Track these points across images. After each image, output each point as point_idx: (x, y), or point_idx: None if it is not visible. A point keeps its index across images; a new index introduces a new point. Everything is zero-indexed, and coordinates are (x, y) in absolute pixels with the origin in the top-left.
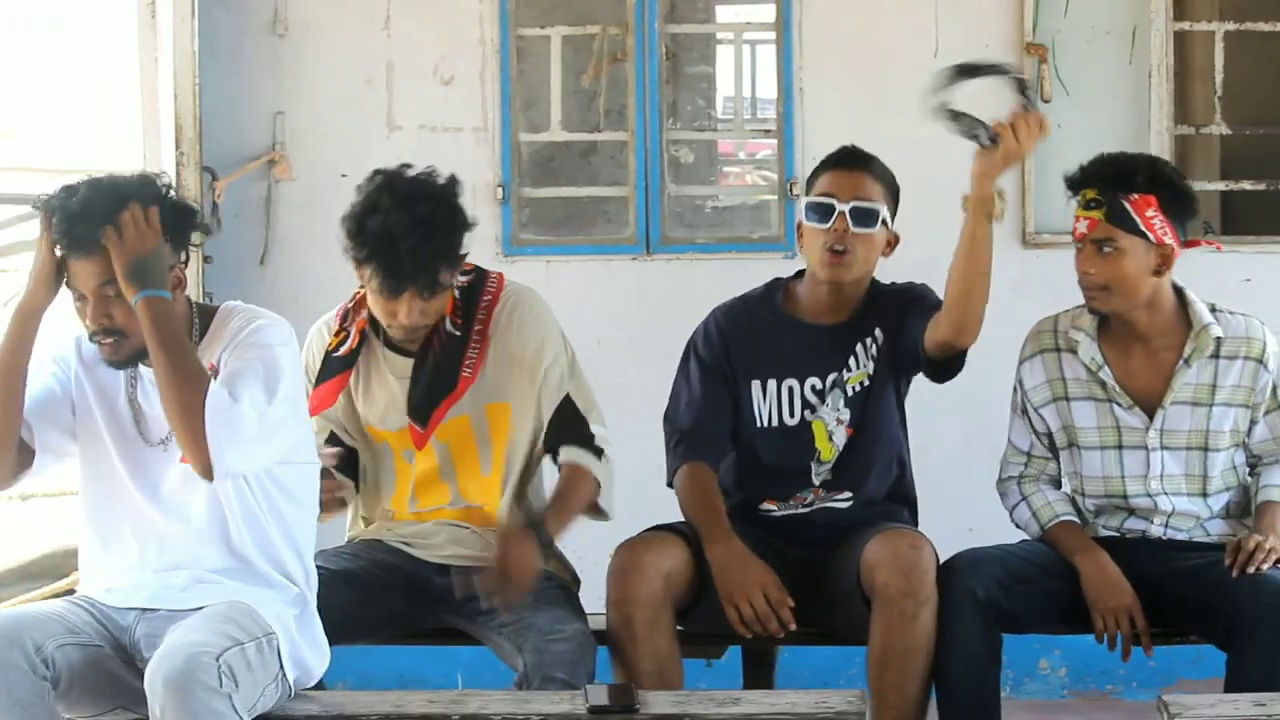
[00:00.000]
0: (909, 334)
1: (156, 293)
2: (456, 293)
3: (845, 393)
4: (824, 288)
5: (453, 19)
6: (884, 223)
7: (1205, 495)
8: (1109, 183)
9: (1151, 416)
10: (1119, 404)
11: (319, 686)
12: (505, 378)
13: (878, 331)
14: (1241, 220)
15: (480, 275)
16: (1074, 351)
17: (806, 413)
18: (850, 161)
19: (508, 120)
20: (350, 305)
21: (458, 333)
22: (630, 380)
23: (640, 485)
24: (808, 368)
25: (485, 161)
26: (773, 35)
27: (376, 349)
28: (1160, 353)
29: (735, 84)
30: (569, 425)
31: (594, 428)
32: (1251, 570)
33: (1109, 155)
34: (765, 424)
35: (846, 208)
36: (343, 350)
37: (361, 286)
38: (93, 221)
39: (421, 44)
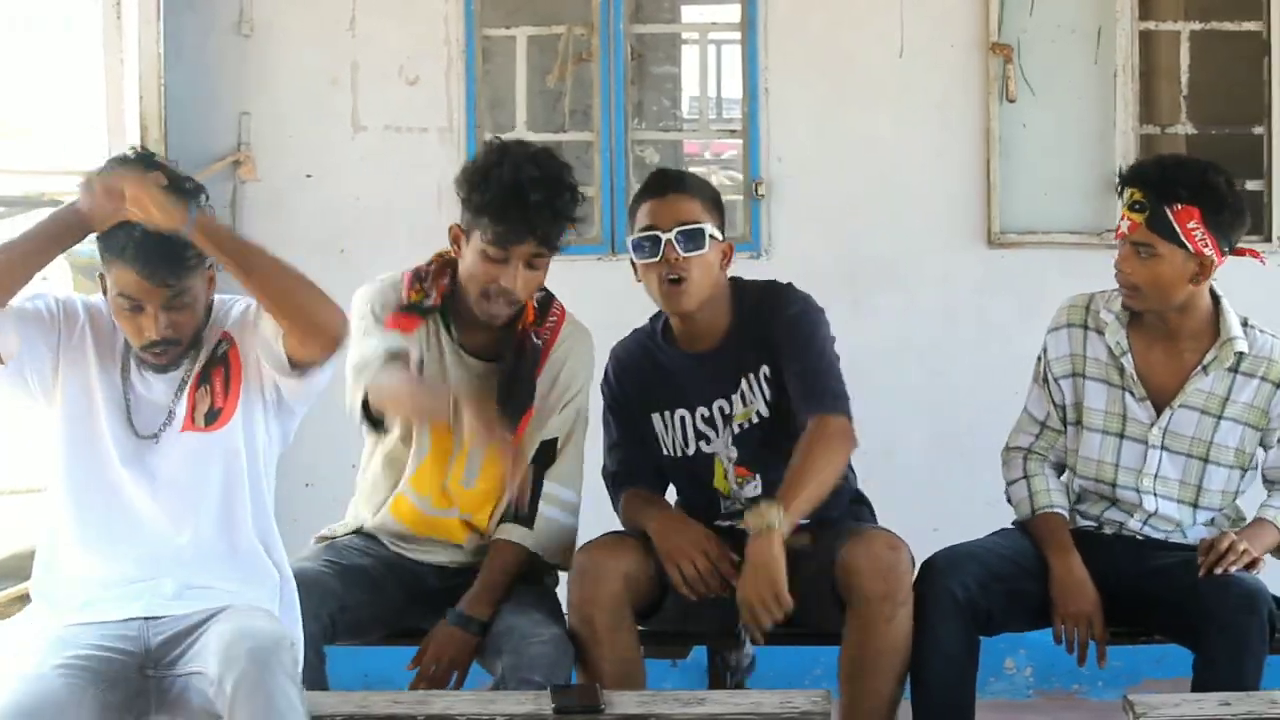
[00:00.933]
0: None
1: (196, 207)
2: (535, 305)
3: (733, 429)
4: (677, 318)
5: (418, 19)
6: (712, 238)
7: (1195, 505)
8: (1155, 188)
9: (1159, 414)
10: (1132, 393)
11: None
12: (540, 398)
13: (764, 369)
14: None
15: (548, 296)
16: (1100, 332)
17: (701, 444)
18: (665, 187)
19: (473, 121)
20: (427, 269)
21: (539, 343)
22: (594, 380)
23: (595, 489)
24: (693, 397)
25: (450, 162)
26: (738, 35)
27: (445, 343)
28: (1184, 354)
29: (700, 84)
30: (531, 491)
31: (552, 488)
32: (1219, 572)
33: (1162, 158)
34: (671, 453)
35: (672, 234)
36: (429, 302)
37: (435, 259)
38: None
39: (386, 44)
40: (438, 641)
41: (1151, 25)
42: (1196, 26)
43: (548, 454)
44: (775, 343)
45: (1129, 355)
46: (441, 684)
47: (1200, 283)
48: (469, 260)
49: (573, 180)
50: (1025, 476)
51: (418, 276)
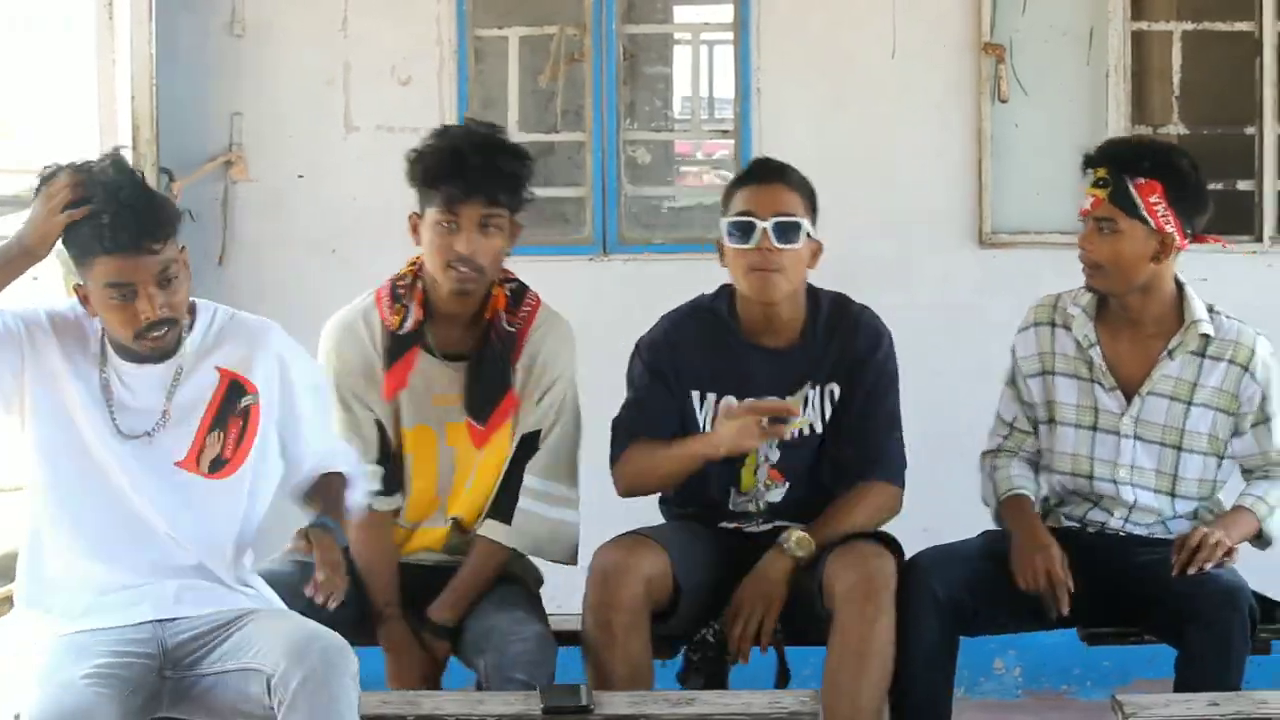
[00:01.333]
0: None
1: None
2: (507, 292)
3: (784, 433)
4: (756, 308)
5: (410, 20)
6: (807, 235)
7: (1173, 495)
8: (1118, 164)
9: (1129, 402)
10: (1101, 384)
11: None
12: (519, 390)
13: (832, 387)
14: None
15: (522, 286)
16: (1068, 327)
17: None
18: (766, 175)
19: (465, 121)
20: (402, 282)
21: (512, 329)
22: (586, 381)
23: (596, 486)
24: (751, 388)
25: None
26: (730, 36)
27: (423, 357)
28: (1149, 341)
29: (693, 84)
30: (509, 483)
31: (532, 481)
32: (1193, 571)
33: (1125, 137)
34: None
35: (769, 224)
36: (408, 325)
37: (409, 268)
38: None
39: (379, 45)
40: (408, 654)
41: (1143, 25)
42: (1188, 27)
43: (529, 447)
44: (849, 370)
45: (1097, 347)
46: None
47: (1162, 262)
48: (426, 239)
49: (514, 143)
50: (993, 469)
51: (394, 293)
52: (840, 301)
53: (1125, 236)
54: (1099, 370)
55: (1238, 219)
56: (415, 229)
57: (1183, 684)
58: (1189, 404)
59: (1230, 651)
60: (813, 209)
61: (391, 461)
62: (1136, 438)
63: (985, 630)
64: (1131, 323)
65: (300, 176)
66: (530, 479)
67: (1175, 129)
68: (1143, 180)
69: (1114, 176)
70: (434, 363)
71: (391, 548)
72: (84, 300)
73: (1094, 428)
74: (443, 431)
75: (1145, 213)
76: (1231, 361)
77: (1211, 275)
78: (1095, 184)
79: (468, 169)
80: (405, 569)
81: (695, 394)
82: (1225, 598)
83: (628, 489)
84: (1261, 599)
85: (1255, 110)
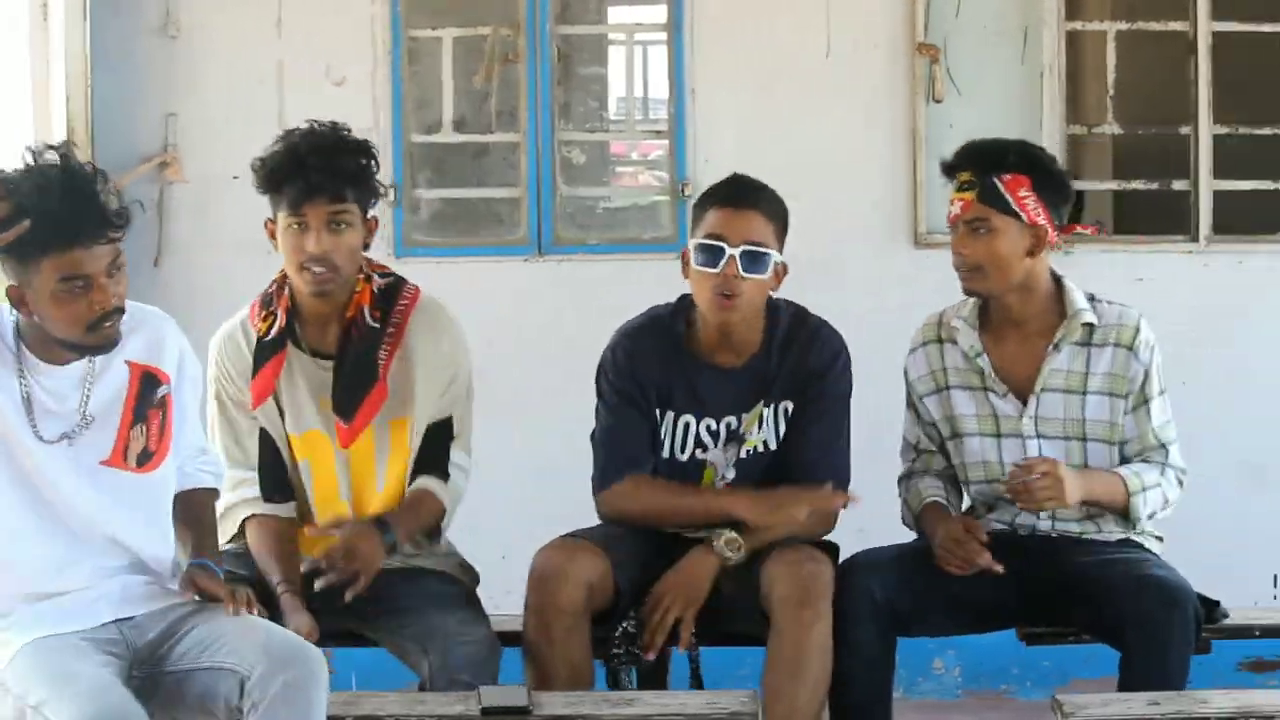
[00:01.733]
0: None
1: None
2: (375, 289)
3: (739, 451)
4: (713, 329)
5: (344, 20)
6: (775, 263)
7: None
8: (982, 164)
9: (1025, 403)
10: (994, 391)
11: None
12: (406, 389)
13: (785, 404)
14: (1133, 220)
15: (398, 280)
16: (954, 341)
17: (698, 451)
18: (740, 199)
19: (399, 121)
20: (271, 289)
21: (375, 325)
22: (520, 381)
23: (528, 486)
24: (707, 408)
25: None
26: (664, 36)
27: (294, 352)
28: (1033, 339)
29: (627, 85)
30: (434, 452)
31: (456, 455)
32: (1019, 491)
33: (982, 139)
34: (664, 454)
35: (737, 252)
36: (273, 332)
37: (279, 274)
38: (94, 205)
39: (313, 45)
40: (361, 531)
41: (1078, 25)
42: (1123, 26)
43: (446, 431)
44: (803, 385)
45: (984, 356)
46: (347, 576)
47: (1036, 255)
48: (281, 244)
49: (355, 139)
50: (906, 491)
51: (264, 301)
52: (799, 315)
53: (1000, 234)
54: (989, 378)
55: (1173, 219)
56: (272, 234)
57: (1125, 684)
58: (1084, 394)
59: (1171, 651)
60: (784, 231)
61: (286, 469)
62: (1039, 436)
63: (923, 632)
64: (1015, 324)
65: (235, 177)
66: (458, 454)
67: (1110, 129)
68: (1009, 176)
69: (979, 177)
70: (311, 366)
71: (283, 536)
72: (19, 303)
73: (997, 434)
74: (334, 434)
75: (1016, 207)
76: (1117, 344)
77: (1148, 275)
78: (961, 187)
79: (309, 169)
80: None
81: (655, 412)
82: (1163, 597)
83: (619, 518)
84: (1203, 599)
85: (1190, 110)
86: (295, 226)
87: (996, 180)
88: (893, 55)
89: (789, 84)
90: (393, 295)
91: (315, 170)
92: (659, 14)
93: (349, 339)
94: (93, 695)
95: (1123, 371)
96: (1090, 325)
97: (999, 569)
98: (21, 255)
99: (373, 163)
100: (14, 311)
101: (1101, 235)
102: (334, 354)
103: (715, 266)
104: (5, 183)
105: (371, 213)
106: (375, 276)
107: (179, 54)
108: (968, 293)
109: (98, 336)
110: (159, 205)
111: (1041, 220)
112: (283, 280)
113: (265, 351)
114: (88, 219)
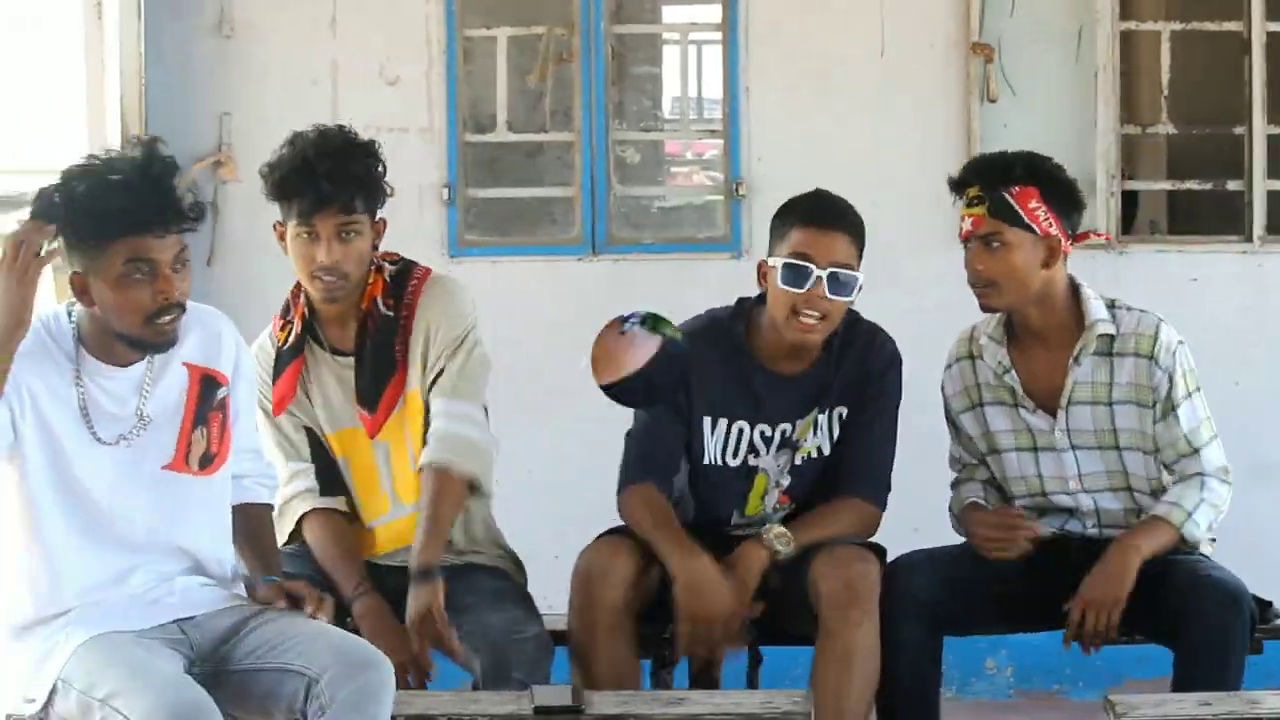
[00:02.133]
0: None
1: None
2: (387, 277)
3: (794, 458)
4: (786, 343)
5: (399, 20)
6: (857, 285)
7: (1131, 491)
8: (989, 178)
9: (1055, 417)
10: (1024, 407)
11: None
12: (418, 357)
13: (841, 410)
14: (1188, 220)
15: (407, 265)
16: (984, 357)
17: (750, 457)
18: (829, 219)
19: (453, 121)
20: (288, 298)
21: (390, 313)
22: (575, 383)
23: (588, 489)
24: (763, 414)
25: (431, 162)
26: (719, 35)
27: (319, 356)
28: (1056, 351)
29: (681, 84)
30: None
31: (455, 406)
32: (1094, 650)
33: (986, 154)
34: (712, 460)
35: (824, 274)
36: (291, 340)
37: (295, 287)
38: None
39: (367, 45)
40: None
41: (1132, 25)
42: (1177, 26)
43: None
44: (857, 391)
45: (1011, 372)
46: (437, 638)
47: (1051, 266)
48: (291, 251)
49: (364, 143)
50: (952, 498)
51: (283, 311)
52: (853, 320)
53: (1014, 248)
54: (1019, 394)
55: (1228, 219)
56: (282, 238)
57: (1181, 684)
58: (1110, 405)
59: (1230, 653)
60: (863, 250)
61: (329, 466)
62: (1075, 448)
63: (971, 631)
64: (1039, 338)
65: None
66: (436, 403)
67: (1164, 129)
68: (1017, 188)
69: (988, 192)
70: (335, 365)
71: (346, 535)
72: (81, 291)
73: (1034, 448)
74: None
75: (1028, 219)
76: (1137, 354)
77: (1202, 275)
78: (970, 203)
79: (319, 179)
80: (388, 572)
81: (708, 419)
82: (1227, 599)
83: (634, 527)
84: (1256, 599)
85: (1244, 110)
86: (305, 236)
87: (1005, 194)
88: (947, 55)
89: (843, 83)
90: (403, 281)
91: (325, 179)
92: (713, 13)
93: (365, 332)
94: (167, 687)
95: (1146, 381)
96: (1109, 336)
97: (1039, 530)
98: (95, 235)
99: (380, 165)
100: (73, 311)
101: (1156, 235)
102: (354, 350)
103: (801, 287)
104: (43, 201)
105: (380, 214)
106: (385, 265)
107: (233, 53)
108: (985, 309)
109: (156, 331)
110: (213, 205)
111: (1054, 230)
112: (298, 287)
113: (284, 359)
114: (165, 206)
